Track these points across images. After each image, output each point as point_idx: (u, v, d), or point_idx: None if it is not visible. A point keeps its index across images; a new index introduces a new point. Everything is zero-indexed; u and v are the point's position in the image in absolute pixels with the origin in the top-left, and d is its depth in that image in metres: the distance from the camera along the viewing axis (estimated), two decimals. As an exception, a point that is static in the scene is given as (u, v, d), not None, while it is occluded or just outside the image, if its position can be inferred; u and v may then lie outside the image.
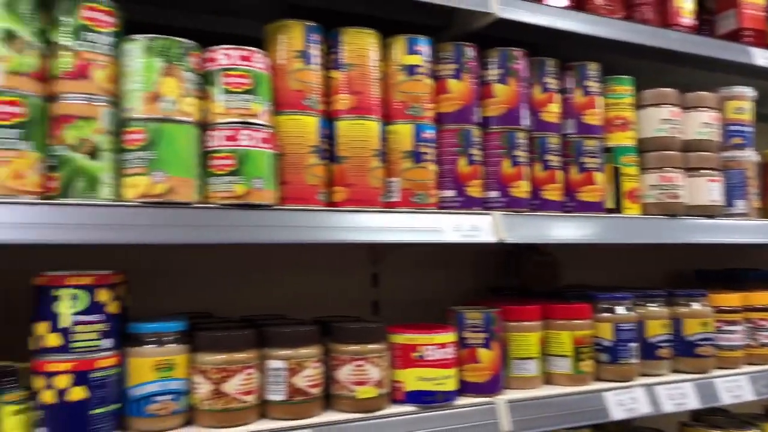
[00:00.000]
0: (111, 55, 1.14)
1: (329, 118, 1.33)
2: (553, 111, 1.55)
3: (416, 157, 1.37)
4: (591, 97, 1.60)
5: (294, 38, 1.28)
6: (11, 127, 1.05)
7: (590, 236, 1.51)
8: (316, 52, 1.30)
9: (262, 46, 1.27)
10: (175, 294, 1.57)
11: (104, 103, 1.12)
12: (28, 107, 1.06)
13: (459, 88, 1.43)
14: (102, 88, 1.12)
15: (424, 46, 1.41)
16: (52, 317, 1.09)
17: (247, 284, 1.66)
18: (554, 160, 1.54)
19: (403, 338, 1.34)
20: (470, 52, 1.46)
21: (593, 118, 1.60)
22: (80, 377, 1.09)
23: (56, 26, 1.11)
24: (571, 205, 1.57)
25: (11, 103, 1.05)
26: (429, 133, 1.39)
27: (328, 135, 1.32)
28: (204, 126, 1.20)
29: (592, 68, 1.61)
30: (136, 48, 1.14)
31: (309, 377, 1.25)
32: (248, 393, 1.21)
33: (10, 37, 1.06)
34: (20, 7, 1.07)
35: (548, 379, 1.53)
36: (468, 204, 1.42)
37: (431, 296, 1.81)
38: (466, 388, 1.39)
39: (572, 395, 1.47)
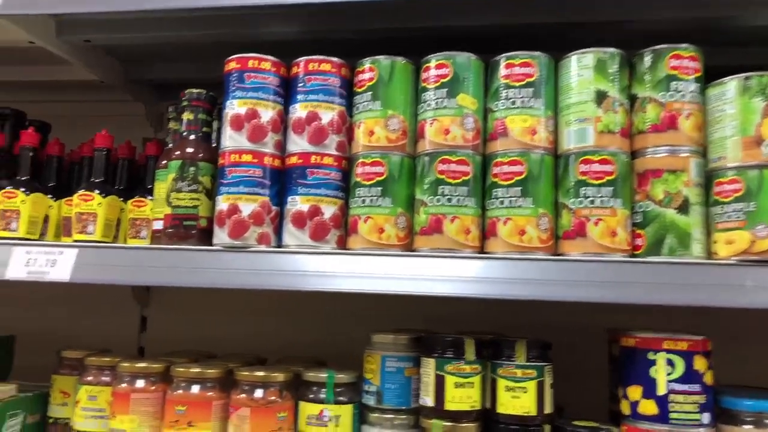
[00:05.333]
0: (696, 102, 1.06)
1: None
2: None
3: None
4: None
5: None
6: (603, 185, 1.05)
7: None
8: None
9: None
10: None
11: (692, 154, 1.05)
12: (617, 165, 1.06)
13: None
14: (690, 138, 1.05)
15: None
16: (647, 382, 1.03)
17: None
18: None
19: None
20: None
21: None
22: (681, 452, 0.99)
23: (641, 81, 1.09)
24: None
25: (603, 162, 1.06)
26: None
27: None
28: (808, 169, 1.01)
29: None
30: (729, 90, 1.04)
31: None
32: None
33: (601, 97, 1.08)
34: (609, 68, 1.09)
35: None
36: None
37: None
38: None
39: None
